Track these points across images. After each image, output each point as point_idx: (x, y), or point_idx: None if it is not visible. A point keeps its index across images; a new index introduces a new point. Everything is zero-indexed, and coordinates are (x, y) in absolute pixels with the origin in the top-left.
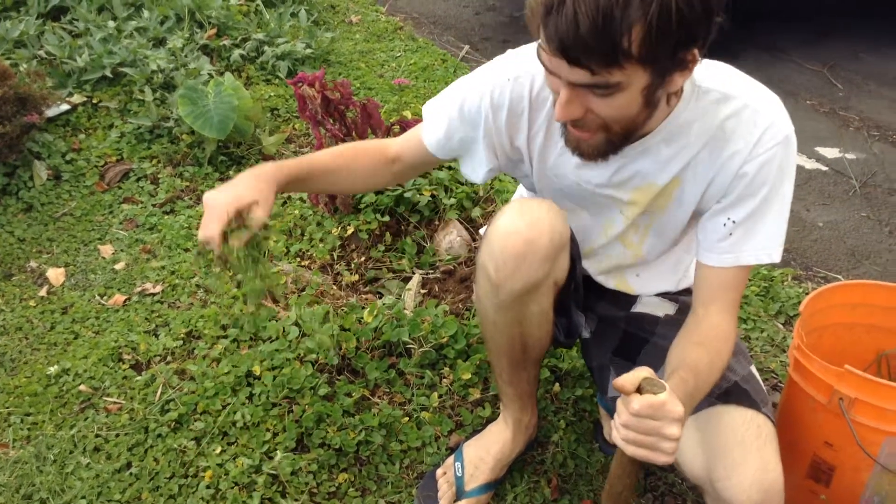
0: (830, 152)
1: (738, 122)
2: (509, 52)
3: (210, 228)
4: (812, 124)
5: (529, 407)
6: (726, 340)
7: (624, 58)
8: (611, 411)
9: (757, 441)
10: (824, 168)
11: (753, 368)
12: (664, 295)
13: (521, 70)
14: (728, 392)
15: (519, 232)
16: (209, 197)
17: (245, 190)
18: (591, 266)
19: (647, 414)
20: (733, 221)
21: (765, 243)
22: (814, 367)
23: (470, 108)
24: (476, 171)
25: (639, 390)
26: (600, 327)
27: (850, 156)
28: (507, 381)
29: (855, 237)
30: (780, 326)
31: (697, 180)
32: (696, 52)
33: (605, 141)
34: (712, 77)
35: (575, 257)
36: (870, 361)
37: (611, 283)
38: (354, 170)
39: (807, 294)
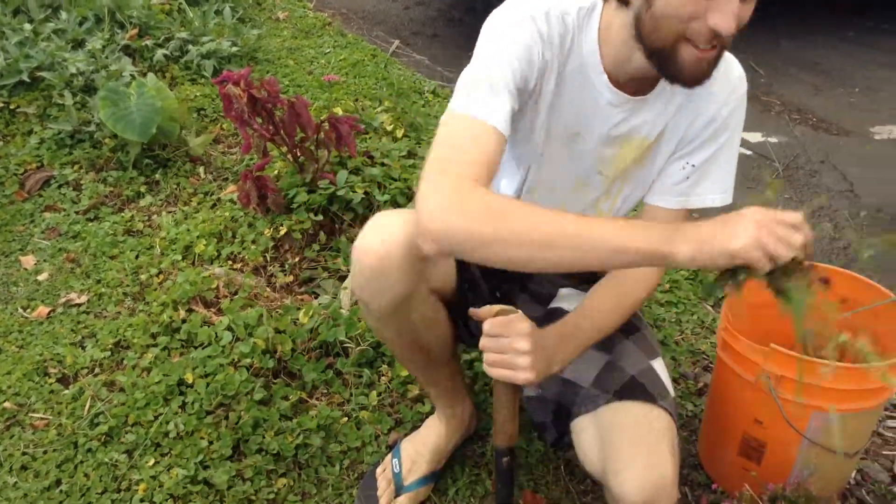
0: (754, 136)
1: (716, 73)
2: (507, 5)
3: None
4: None
5: (459, 399)
6: (641, 281)
7: None
8: (530, 408)
9: (649, 437)
10: (748, 152)
11: (656, 362)
12: (587, 283)
13: (542, 8)
14: (623, 388)
15: (373, 250)
16: None
17: None
18: None
19: (497, 332)
20: (692, 165)
21: (712, 187)
22: (741, 347)
23: (523, 50)
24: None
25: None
26: None
27: (772, 139)
28: (425, 383)
29: None
30: (710, 309)
31: (675, 134)
32: None
33: (720, 53)
34: None
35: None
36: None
37: None
38: None
39: None
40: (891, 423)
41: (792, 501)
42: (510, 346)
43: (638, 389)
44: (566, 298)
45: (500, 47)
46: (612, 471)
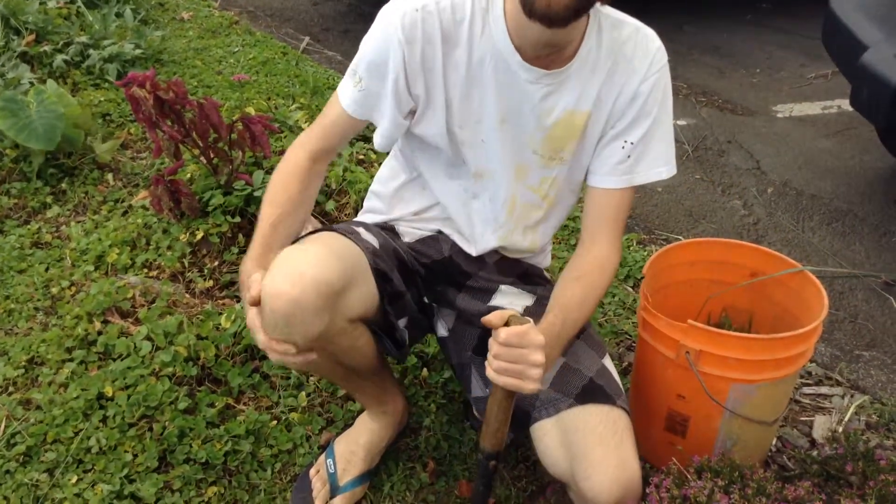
0: None
1: (635, 45)
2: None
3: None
4: None
5: (388, 398)
6: (603, 270)
7: None
8: (478, 408)
9: (614, 438)
10: None
11: (607, 360)
12: (522, 281)
13: (426, 0)
14: (584, 391)
15: (283, 293)
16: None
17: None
18: (488, 234)
19: (513, 343)
20: (631, 143)
21: (655, 160)
22: (660, 325)
23: (375, 55)
24: (380, 133)
25: (506, 325)
26: (458, 325)
27: (681, 122)
28: (350, 391)
29: (691, 199)
30: (630, 290)
31: (603, 108)
32: None
33: None
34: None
35: (386, 270)
36: (711, 313)
37: (503, 241)
38: (297, 201)
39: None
40: (806, 389)
41: (717, 472)
42: (525, 357)
43: (598, 392)
44: (507, 294)
45: (366, 44)
46: (583, 475)
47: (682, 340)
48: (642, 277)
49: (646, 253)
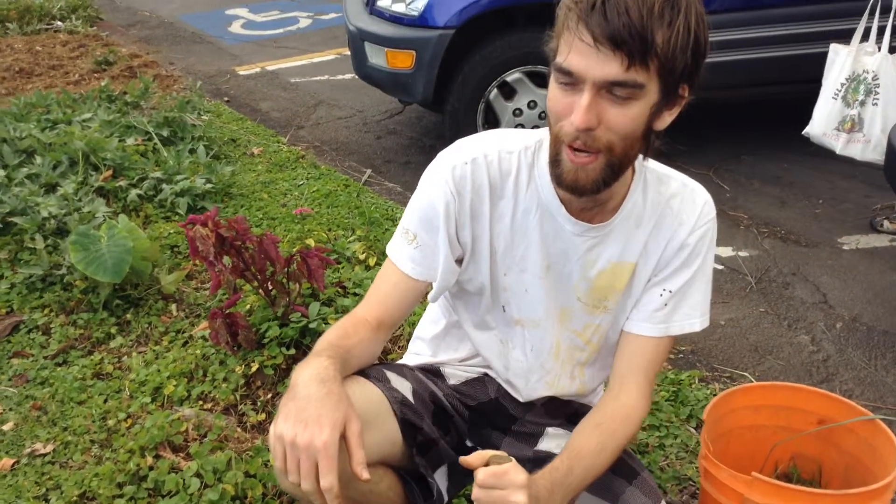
0: (724, 251)
1: (682, 201)
2: (443, 152)
3: (329, 480)
4: None
5: None
6: (627, 420)
7: (652, 55)
8: None
9: None
10: (720, 267)
11: None
12: (571, 422)
13: (476, 152)
14: None
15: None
16: (302, 439)
17: (336, 412)
18: (534, 381)
19: (490, 483)
20: (669, 291)
21: (691, 312)
22: (722, 476)
23: (428, 208)
24: (435, 284)
25: (487, 466)
26: None
27: (742, 253)
28: None
29: (756, 333)
30: (693, 431)
31: (650, 259)
32: (687, 89)
33: (604, 166)
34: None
35: (414, 421)
36: (778, 461)
37: (551, 389)
38: (364, 341)
39: (714, 395)
40: None
41: None
42: (504, 498)
43: None
44: (554, 437)
45: (416, 200)
46: None
47: (746, 494)
48: (703, 420)
49: (708, 391)
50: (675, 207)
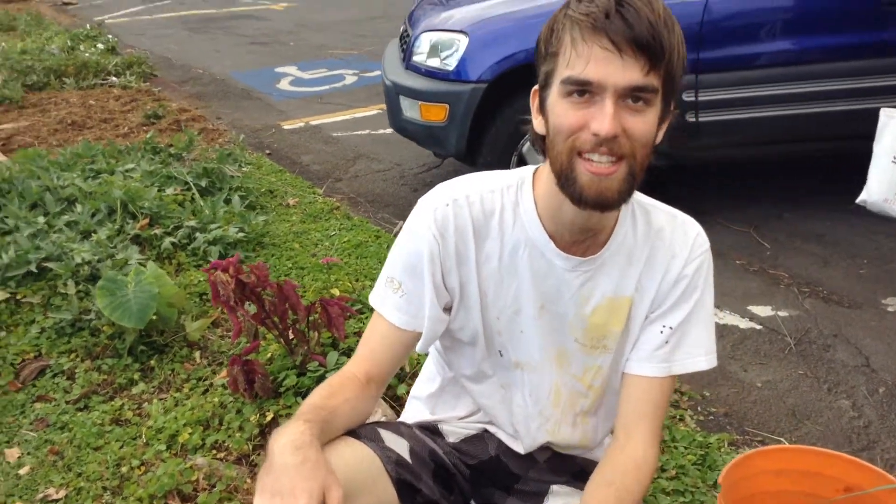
0: (763, 310)
1: (672, 231)
2: (424, 197)
3: None
4: (743, 283)
5: None
6: (639, 473)
7: (664, 60)
8: None
9: None
10: (758, 327)
11: None
12: (577, 480)
13: (457, 194)
14: None
15: None
16: None
17: (312, 481)
18: (533, 430)
19: None
20: (670, 328)
21: (694, 350)
22: None
23: (411, 254)
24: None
25: None
26: None
27: (782, 313)
28: None
29: (794, 396)
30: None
31: (646, 294)
32: (673, 104)
33: (626, 175)
34: None
35: (412, 481)
36: None
37: (551, 436)
38: (352, 399)
39: None
40: None
41: None
42: None
43: None
44: (560, 496)
45: (399, 247)
46: None
47: None
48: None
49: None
50: (666, 239)
